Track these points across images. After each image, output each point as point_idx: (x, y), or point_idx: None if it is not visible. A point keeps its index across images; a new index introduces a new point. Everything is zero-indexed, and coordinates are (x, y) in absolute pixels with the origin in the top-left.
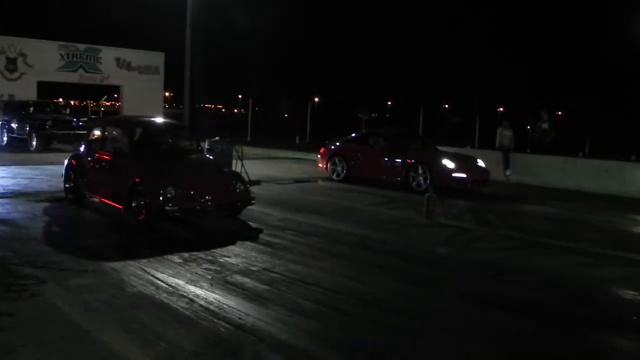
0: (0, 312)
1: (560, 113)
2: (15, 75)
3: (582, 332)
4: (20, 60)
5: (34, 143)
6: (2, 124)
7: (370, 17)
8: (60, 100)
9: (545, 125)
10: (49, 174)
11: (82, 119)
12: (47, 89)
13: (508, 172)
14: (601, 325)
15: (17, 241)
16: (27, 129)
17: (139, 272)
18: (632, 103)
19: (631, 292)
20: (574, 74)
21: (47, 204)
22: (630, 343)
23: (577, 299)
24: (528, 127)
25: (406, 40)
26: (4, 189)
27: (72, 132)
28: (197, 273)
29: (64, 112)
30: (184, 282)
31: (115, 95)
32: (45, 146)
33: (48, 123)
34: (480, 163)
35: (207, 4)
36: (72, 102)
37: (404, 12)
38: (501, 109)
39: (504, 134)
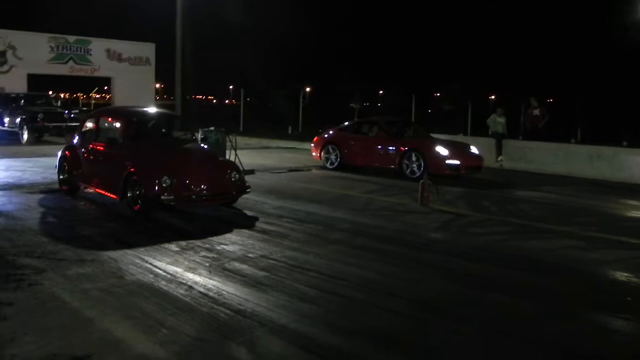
0: (1, 302)
1: (551, 100)
2: (5, 68)
3: (577, 313)
4: (9, 52)
5: (25, 136)
6: None
7: (361, 6)
8: (51, 92)
9: (536, 112)
10: (42, 165)
11: (73, 111)
12: (37, 82)
13: (500, 159)
14: (596, 306)
15: (14, 232)
16: (18, 121)
17: (137, 261)
18: (623, 89)
19: (624, 274)
20: (564, 60)
21: (42, 196)
22: (625, 323)
23: (571, 281)
24: (521, 114)
25: (397, 29)
26: None
27: (64, 124)
28: (194, 261)
29: (55, 104)
30: (182, 270)
31: (106, 88)
32: (37, 139)
33: (39, 116)
34: (474, 150)
35: None
36: (62, 95)
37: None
38: (492, 97)
39: (497, 121)
